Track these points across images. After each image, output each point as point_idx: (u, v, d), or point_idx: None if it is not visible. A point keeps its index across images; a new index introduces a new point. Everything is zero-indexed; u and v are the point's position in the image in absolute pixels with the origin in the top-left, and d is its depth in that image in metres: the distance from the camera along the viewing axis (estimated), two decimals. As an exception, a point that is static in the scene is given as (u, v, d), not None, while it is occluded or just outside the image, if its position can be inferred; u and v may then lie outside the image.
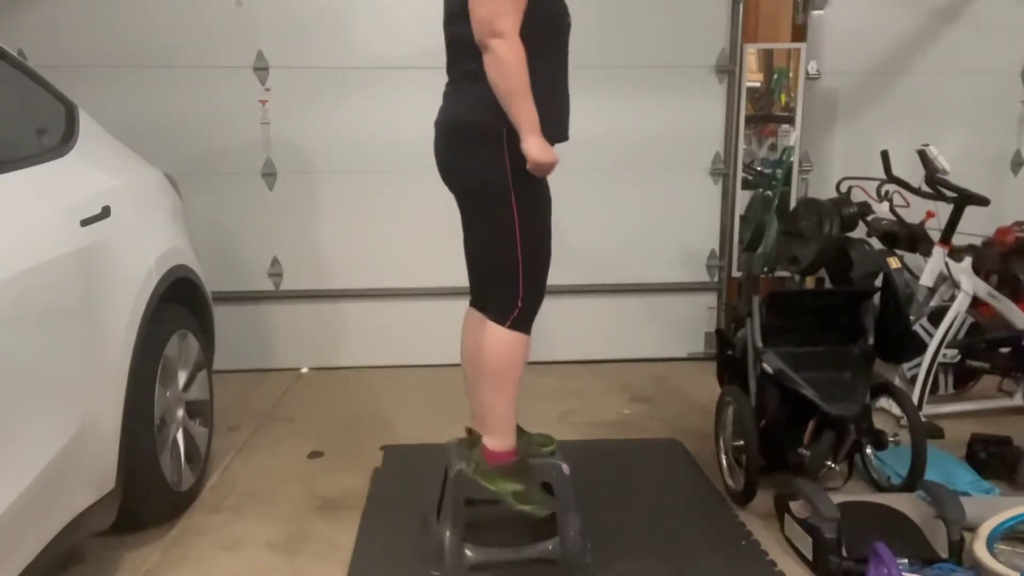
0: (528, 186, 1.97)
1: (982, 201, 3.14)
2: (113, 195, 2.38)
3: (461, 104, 2.03)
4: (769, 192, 4.17)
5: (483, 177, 1.99)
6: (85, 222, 2.17)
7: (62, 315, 2.01)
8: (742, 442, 2.60)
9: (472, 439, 2.26)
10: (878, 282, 3.01)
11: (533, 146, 1.86)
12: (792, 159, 4.12)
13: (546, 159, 1.88)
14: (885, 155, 3.41)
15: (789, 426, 2.62)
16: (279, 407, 3.68)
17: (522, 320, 2.04)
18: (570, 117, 2.12)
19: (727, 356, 2.95)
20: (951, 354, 3.37)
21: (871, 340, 2.65)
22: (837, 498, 2.35)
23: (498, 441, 2.09)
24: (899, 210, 3.41)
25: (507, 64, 1.83)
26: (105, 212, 2.29)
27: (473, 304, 2.25)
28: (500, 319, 2.04)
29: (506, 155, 1.93)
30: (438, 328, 3.92)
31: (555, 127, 2.00)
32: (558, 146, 2.04)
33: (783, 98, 4.09)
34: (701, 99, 4.14)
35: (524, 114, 1.86)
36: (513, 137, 1.90)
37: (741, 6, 4.03)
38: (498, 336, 2.04)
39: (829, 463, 2.59)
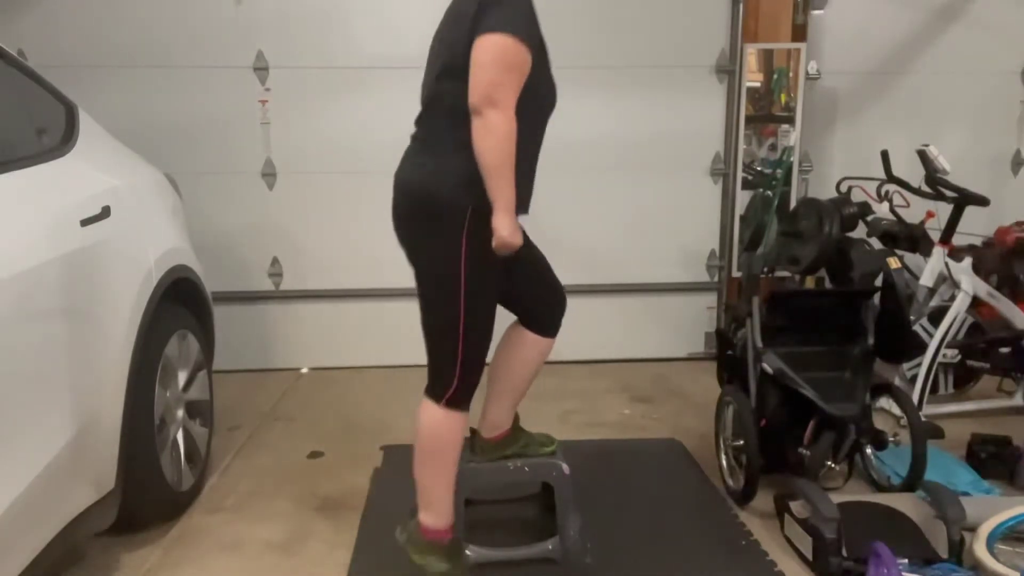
0: (480, 273, 1.89)
1: (982, 201, 3.14)
2: (113, 195, 2.38)
3: (434, 174, 1.94)
4: (769, 192, 4.17)
5: (436, 257, 1.92)
6: (85, 222, 2.17)
7: (62, 315, 2.01)
8: (742, 442, 2.60)
9: (475, 439, 2.27)
10: (878, 282, 3.00)
11: (505, 225, 1.78)
12: (792, 159, 4.12)
13: (514, 240, 1.80)
14: (885, 155, 3.41)
15: (789, 426, 2.62)
16: (279, 407, 3.68)
17: (458, 399, 1.99)
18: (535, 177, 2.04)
19: (727, 356, 2.95)
20: (951, 354, 3.36)
21: (871, 340, 2.65)
22: (837, 498, 2.35)
23: (434, 519, 2.07)
24: (899, 210, 3.41)
25: (500, 138, 1.75)
26: (105, 212, 2.29)
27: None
28: (436, 397, 1.99)
29: (464, 240, 1.86)
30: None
31: (521, 204, 1.92)
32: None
33: (783, 98, 4.09)
34: (701, 99, 4.14)
35: (504, 191, 1.78)
36: (475, 222, 1.83)
37: (741, 6, 4.03)
38: (434, 415, 2.00)
39: (829, 463, 2.59)
